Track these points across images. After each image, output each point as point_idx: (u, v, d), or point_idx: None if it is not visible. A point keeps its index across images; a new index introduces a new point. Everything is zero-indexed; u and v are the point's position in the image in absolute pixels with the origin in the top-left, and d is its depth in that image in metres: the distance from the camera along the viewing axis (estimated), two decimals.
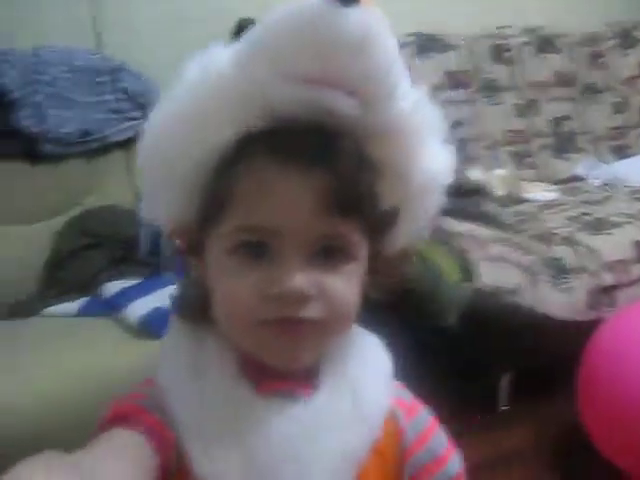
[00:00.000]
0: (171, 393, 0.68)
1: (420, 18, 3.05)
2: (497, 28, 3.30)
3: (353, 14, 0.60)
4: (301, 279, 0.63)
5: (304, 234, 0.63)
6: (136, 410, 0.65)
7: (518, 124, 3.27)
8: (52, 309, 1.93)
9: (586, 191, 3.08)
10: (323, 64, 0.62)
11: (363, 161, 0.66)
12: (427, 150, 0.70)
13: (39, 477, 0.48)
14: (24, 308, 1.97)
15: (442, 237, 2.02)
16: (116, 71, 2.31)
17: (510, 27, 3.33)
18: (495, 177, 2.95)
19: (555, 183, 3.21)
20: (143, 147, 0.69)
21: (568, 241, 2.33)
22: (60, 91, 2.23)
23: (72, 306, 1.92)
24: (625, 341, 1.89)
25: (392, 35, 0.64)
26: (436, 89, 3.02)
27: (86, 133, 2.24)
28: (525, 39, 3.34)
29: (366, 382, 0.73)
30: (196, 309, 0.72)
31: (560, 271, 2.20)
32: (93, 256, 2.07)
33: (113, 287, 1.91)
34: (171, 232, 0.72)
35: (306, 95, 0.62)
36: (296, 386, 0.70)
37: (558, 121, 3.39)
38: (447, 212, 1.99)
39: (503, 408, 2.42)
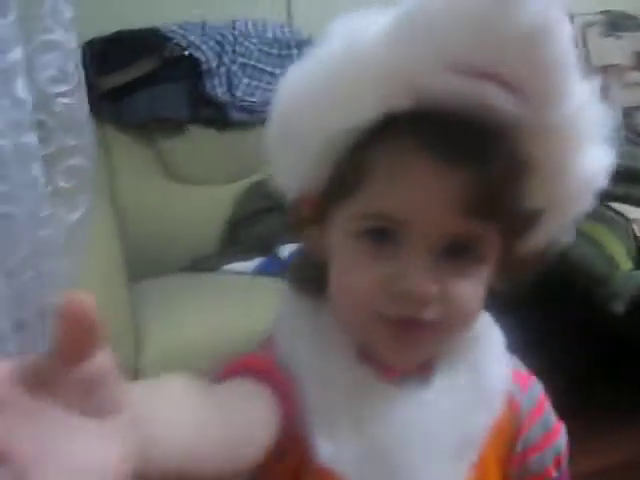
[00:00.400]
0: (293, 369, 0.66)
1: None
2: None
3: (531, 2, 0.55)
4: (427, 280, 0.61)
5: (435, 230, 0.61)
6: (268, 365, 0.65)
7: None
8: (231, 266, 2.07)
9: None
10: (491, 56, 0.57)
11: (515, 163, 0.61)
12: (585, 153, 0.65)
13: (178, 385, 0.50)
14: (205, 263, 2.13)
15: (616, 223, 1.97)
16: (302, 44, 2.40)
17: None
18: None
19: None
20: (274, 114, 0.67)
21: None
22: (251, 62, 2.36)
23: (249, 265, 2.05)
24: None
25: (569, 25, 0.59)
26: (624, 70, 2.93)
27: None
28: None
29: (485, 363, 0.72)
30: (312, 283, 0.71)
31: None
32: (272, 219, 2.17)
33: (289, 249, 2.01)
34: (298, 201, 0.69)
35: (467, 87, 0.57)
36: (415, 370, 0.69)
37: None
38: (622, 199, 1.97)
39: None
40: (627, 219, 1.98)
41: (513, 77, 0.58)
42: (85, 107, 1.41)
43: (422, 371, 0.69)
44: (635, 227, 1.96)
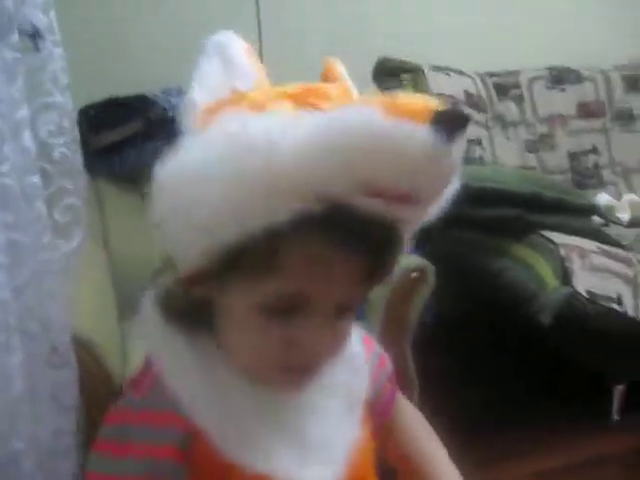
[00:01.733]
0: (183, 396, 0.72)
1: (554, 52, 3.24)
2: (630, 60, 3.39)
3: (454, 148, 0.59)
4: (322, 340, 0.70)
5: (333, 301, 0.69)
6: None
7: None
8: None
9: None
10: (408, 187, 0.60)
11: (397, 242, 0.69)
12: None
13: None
14: None
15: (545, 247, 2.20)
16: None
17: None
18: (623, 202, 3.10)
19: None
20: (167, 191, 0.69)
21: None
22: None
23: None
24: None
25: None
26: (568, 118, 3.20)
27: None
28: None
29: (352, 381, 0.84)
30: (188, 315, 0.75)
31: None
32: None
33: None
34: (186, 277, 0.71)
35: (377, 207, 0.61)
36: None
37: None
38: (555, 227, 2.22)
39: (615, 418, 2.50)
40: (555, 244, 2.20)
41: (418, 198, 0.62)
42: (79, 157, 1.65)
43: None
44: (562, 250, 2.18)
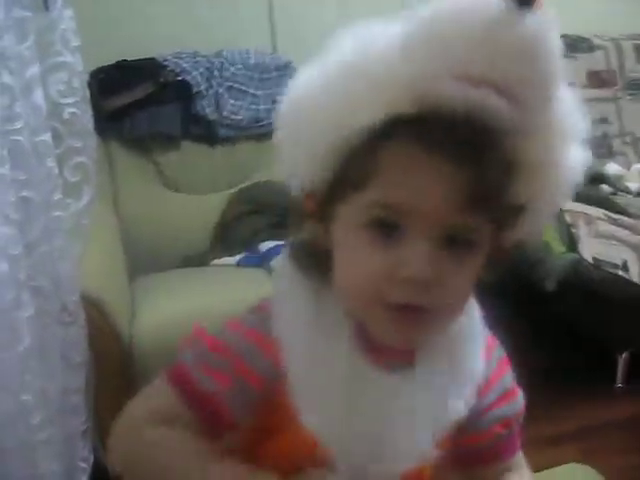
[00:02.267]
0: (285, 341, 0.71)
1: (566, 22, 3.22)
2: None
3: (529, 18, 0.58)
4: (427, 267, 0.63)
5: (436, 220, 0.63)
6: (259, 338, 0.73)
7: None
8: (217, 261, 2.36)
9: None
10: (492, 66, 0.59)
11: (505, 161, 0.65)
12: (566, 153, 0.68)
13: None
14: (196, 260, 2.41)
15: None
16: (282, 68, 2.69)
17: None
18: (632, 171, 3.09)
19: None
20: (284, 114, 0.69)
21: None
22: (236, 85, 2.64)
23: (232, 259, 2.34)
24: None
25: (558, 40, 0.63)
26: (580, 88, 3.16)
27: (256, 120, 2.64)
28: None
29: (464, 357, 0.77)
30: (312, 268, 0.73)
31: None
32: (255, 220, 2.46)
33: (268, 244, 2.30)
34: (302, 197, 0.71)
35: (467, 94, 0.60)
36: (401, 355, 0.73)
37: None
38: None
39: (619, 385, 2.53)
40: (561, 209, 2.22)
41: (511, 85, 0.60)
42: (89, 117, 1.68)
43: (406, 358, 0.73)
44: (568, 217, 2.20)
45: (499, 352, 0.82)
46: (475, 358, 0.78)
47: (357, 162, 0.65)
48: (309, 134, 0.67)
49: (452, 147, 0.61)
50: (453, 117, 0.60)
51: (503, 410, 0.82)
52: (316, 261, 0.72)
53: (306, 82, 0.68)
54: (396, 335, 0.68)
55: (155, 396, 0.75)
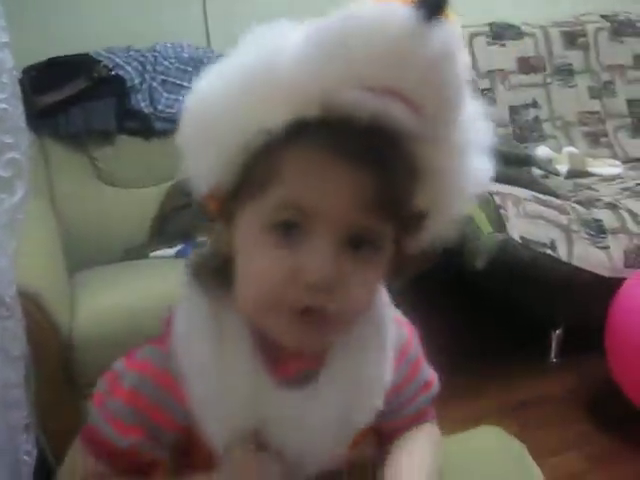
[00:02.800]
0: (188, 374, 0.73)
1: (495, 10, 3.31)
2: (572, 16, 3.47)
3: (437, 30, 0.58)
4: (330, 269, 0.64)
5: (339, 222, 0.64)
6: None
7: (593, 105, 3.43)
8: (156, 253, 2.38)
9: None
10: (397, 76, 0.60)
11: (409, 167, 0.66)
12: (469, 162, 0.70)
13: None
14: (135, 253, 2.43)
15: (481, 196, 2.27)
16: (214, 61, 2.69)
17: (583, 15, 3.50)
18: (563, 154, 3.19)
19: (629, 161, 3.35)
20: (188, 114, 0.70)
21: (611, 205, 2.50)
22: (170, 79, 2.66)
23: (171, 251, 2.36)
24: None
25: (465, 53, 0.63)
26: (508, 73, 3.26)
27: None
28: (600, 25, 3.49)
29: (368, 362, 0.78)
30: (213, 278, 0.74)
31: (598, 231, 2.37)
32: (191, 212, 2.48)
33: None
34: (206, 196, 0.72)
35: (372, 102, 0.60)
36: (306, 364, 0.76)
37: (636, 102, 3.51)
38: (492, 177, 2.29)
39: (553, 361, 2.62)
40: (489, 192, 2.25)
41: (415, 95, 0.61)
42: (20, 113, 1.68)
43: (312, 365, 0.75)
44: (496, 198, 2.26)
45: (414, 353, 0.86)
46: (381, 367, 0.79)
47: (261, 164, 0.66)
48: (214, 135, 0.67)
49: (355, 151, 0.62)
50: (357, 123, 0.61)
51: (419, 402, 0.87)
52: (217, 272, 0.73)
53: (211, 83, 0.68)
54: (299, 339, 0.68)
55: (79, 463, 0.79)
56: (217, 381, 0.72)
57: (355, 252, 0.66)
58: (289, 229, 0.65)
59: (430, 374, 0.89)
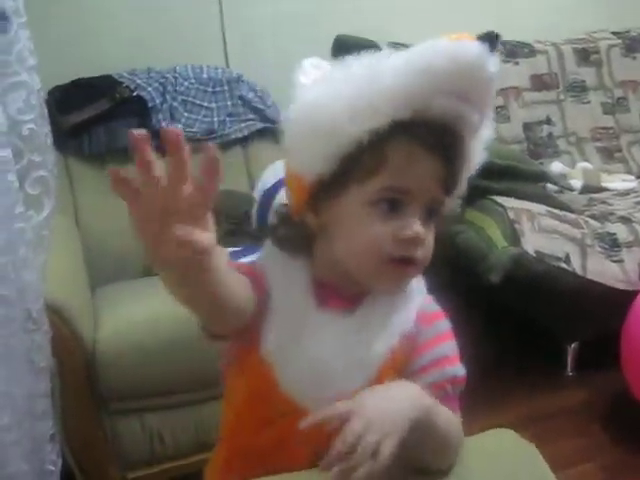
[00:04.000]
0: (268, 282, 0.93)
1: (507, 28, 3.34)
2: (585, 33, 3.52)
3: (492, 57, 0.83)
4: (421, 228, 0.86)
5: (426, 196, 0.87)
6: (255, 272, 0.93)
7: (606, 121, 3.47)
8: None
9: None
10: (467, 85, 0.83)
11: (464, 152, 0.89)
12: (480, 151, 0.94)
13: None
14: None
15: (495, 210, 2.32)
16: (233, 82, 2.79)
17: (595, 32, 3.55)
18: (577, 170, 3.22)
19: None
20: (297, 118, 0.90)
21: (625, 219, 2.55)
22: (190, 98, 2.73)
23: None
24: None
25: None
26: (522, 91, 3.31)
27: (210, 132, 2.73)
28: (612, 42, 3.54)
29: (396, 309, 0.95)
30: (296, 245, 0.95)
31: (612, 244, 2.41)
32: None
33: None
34: (299, 187, 0.92)
35: (451, 106, 0.84)
36: (347, 303, 0.93)
37: None
38: (505, 193, 2.33)
39: (569, 374, 2.66)
40: (504, 207, 2.32)
41: (476, 99, 0.85)
42: (47, 132, 1.75)
43: (352, 304, 0.94)
44: (510, 213, 2.30)
45: (443, 325, 0.98)
46: (402, 315, 0.95)
47: (367, 156, 0.86)
48: (324, 133, 0.86)
49: (435, 144, 0.85)
50: (437, 122, 0.85)
51: (433, 375, 0.93)
52: (295, 242, 0.95)
53: (319, 93, 0.88)
54: (393, 282, 0.92)
55: None
56: (281, 296, 0.92)
57: (428, 218, 0.89)
58: (392, 204, 0.87)
59: (452, 353, 0.96)
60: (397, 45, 3.00)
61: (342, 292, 0.94)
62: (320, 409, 0.81)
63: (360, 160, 0.86)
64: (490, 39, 0.90)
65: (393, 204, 0.87)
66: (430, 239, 0.90)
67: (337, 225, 0.91)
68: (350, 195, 0.89)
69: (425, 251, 0.89)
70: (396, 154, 0.85)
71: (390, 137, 0.85)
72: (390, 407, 0.82)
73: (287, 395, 0.92)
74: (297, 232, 0.95)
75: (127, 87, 2.65)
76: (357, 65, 0.86)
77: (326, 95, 0.87)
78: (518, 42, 3.37)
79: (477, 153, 0.94)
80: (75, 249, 2.24)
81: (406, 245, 0.87)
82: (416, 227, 0.86)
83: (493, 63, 0.84)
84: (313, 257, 0.96)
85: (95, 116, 2.60)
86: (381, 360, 0.92)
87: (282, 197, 2.27)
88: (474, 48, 0.82)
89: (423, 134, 0.85)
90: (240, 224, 2.55)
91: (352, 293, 0.94)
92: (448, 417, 0.91)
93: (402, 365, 0.94)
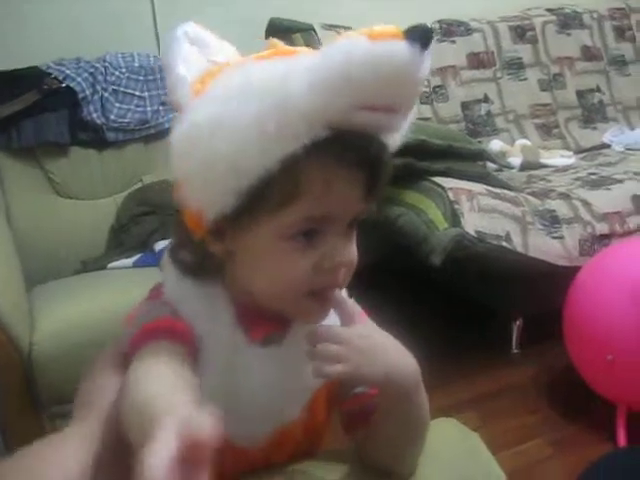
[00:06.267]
0: (181, 310, 0.81)
1: (442, 7, 3.36)
2: (519, 11, 3.53)
3: (424, 57, 0.68)
4: (344, 250, 0.78)
5: (348, 216, 0.78)
6: (178, 325, 0.79)
7: (544, 98, 3.48)
8: (113, 264, 2.37)
9: (606, 156, 3.26)
10: (397, 95, 0.70)
11: (388, 156, 0.78)
12: None
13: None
14: (93, 264, 2.42)
15: (435, 192, 2.30)
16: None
17: (530, 9, 3.56)
18: (516, 147, 3.23)
19: (581, 152, 3.41)
20: (186, 149, 0.74)
21: (564, 196, 2.55)
22: (121, 88, 2.66)
23: (128, 261, 2.36)
24: (600, 282, 2.10)
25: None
26: (459, 69, 3.30)
27: (143, 122, 2.67)
28: (547, 19, 3.55)
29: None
30: (203, 271, 0.82)
31: (552, 221, 2.41)
32: (148, 221, 2.48)
33: (162, 244, 2.33)
34: (193, 218, 0.78)
35: (370, 119, 0.71)
36: (275, 326, 0.84)
37: (585, 93, 3.58)
38: (444, 173, 2.31)
39: (515, 351, 2.67)
40: (443, 188, 2.29)
41: (402, 107, 0.73)
42: None
43: (278, 329, 0.85)
44: (450, 194, 2.27)
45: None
46: None
47: (277, 187, 0.72)
48: (225, 171, 0.72)
49: (356, 159, 0.73)
50: (357, 135, 0.72)
51: None
52: (201, 267, 0.82)
53: (210, 116, 0.72)
54: (315, 315, 0.81)
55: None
56: (208, 334, 0.80)
57: (349, 229, 0.80)
58: (310, 234, 0.76)
59: None
60: (331, 27, 2.99)
61: (266, 315, 0.83)
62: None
63: (271, 192, 0.73)
64: (421, 36, 0.66)
65: (310, 234, 0.76)
66: (353, 247, 0.81)
67: (247, 256, 0.80)
68: (260, 227, 0.76)
69: (349, 264, 0.81)
70: (312, 180, 0.73)
71: (304, 161, 0.71)
72: (390, 358, 0.81)
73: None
74: (200, 256, 0.82)
75: (55, 78, 2.56)
76: (260, 74, 0.72)
77: (224, 116, 0.72)
78: (454, 21, 3.35)
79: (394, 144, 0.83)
80: (7, 249, 2.16)
81: (328, 275, 0.78)
82: (338, 256, 0.77)
83: (425, 67, 0.69)
84: (225, 281, 0.84)
85: (23, 109, 2.52)
86: (315, 384, 0.87)
87: None
88: (402, 52, 0.67)
89: (341, 153, 0.72)
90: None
91: (277, 315, 0.83)
92: (426, 408, 0.88)
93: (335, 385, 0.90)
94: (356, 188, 0.76)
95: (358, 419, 0.90)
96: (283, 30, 2.82)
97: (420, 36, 0.67)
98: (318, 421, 0.93)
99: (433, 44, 0.69)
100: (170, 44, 0.84)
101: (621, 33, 3.71)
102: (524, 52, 3.47)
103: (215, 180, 0.73)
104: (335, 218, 0.76)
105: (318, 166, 0.72)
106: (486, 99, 3.35)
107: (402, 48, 0.67)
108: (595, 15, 3.66)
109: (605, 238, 2.49)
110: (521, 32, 3.48)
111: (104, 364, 0.81)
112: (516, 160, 3.12)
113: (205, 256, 0.81)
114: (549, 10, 3.59)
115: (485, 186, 2.42)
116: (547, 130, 3.47)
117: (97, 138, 2.62)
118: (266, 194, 0.73)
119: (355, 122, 0.70)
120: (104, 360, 0.82)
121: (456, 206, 2.25)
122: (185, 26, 0.86)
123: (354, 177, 0.75)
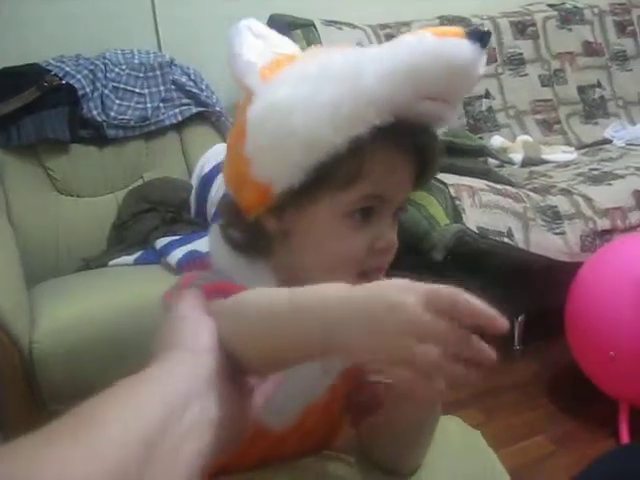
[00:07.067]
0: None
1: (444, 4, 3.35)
2: (520, 6, 3.53)
3: (482, 54, 0.75)
4: (394, 236, 0.84)
5: (400, 200, 0.83)
6: (234, 286, 0.78)
7: (545, 93, 3.48)
8: (115, 261, 2.36)
9: (607, 151, 3.26)
10: (453, 88, 0.78)
11: (438, 148, 0.85)
12: None
13: None
14: (95, 262, 2.41)
15: (436, 188, 2.30)
16: (166, 66, 2.71)
17: (531, 4, 3.56)
18: (517, 143, 3.22)
19: (582, 147, 3.40)
20: (264, 124, 0.79)
21: (566, 192, 2.55)
22: (121, 85, 2.65)
23: (130, 258, 2.35)
24: (602, 278, 2.10)
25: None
26: None
27: (144, 118, 2.65)
28: (548, 14, 3.55)
29: None
30: (254, 248, 0.86)
31: (553, 217, 2.41)
32: (149, 218, 2.47)
33: (163, 241, 2.32)
34: (261, 195, 0.82)
35: (432, 108, 0.78)
36: None
37: (587, 89, 3.58)
38: (446, 169, 2.31)
39: (517, 348, 2.65)
40: (445, 184, 2.30)
41: (454, 98, 0.81)
42: None
43: None
44: (451, 190, 2.28)
45: None
46: None
47: (345, 165, 0.78)
48: (299, 146, 0.77)
49: (413, 147, 0.81)
50: (415, 124, 0.79)
51: None
52: (251, 244, 0.86)
53: (288, 96, 0.78)
54: None
55: None
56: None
57: (395, 218, 0.85)
58: (366, 212, 0.81)
59: None
60: (331, 23, 2.99)
61: None
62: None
63: (337, 169, 0.79)
64: (481, 36, 0.75)
65: (367, 212, 0.82)
66: (396, 238, 0.86)
67: (304, 235, 0.84)
68: (321, 204, 0.81)
69: (394, 249, 0.85)
70: (376, 162, 0.80)
71: (370, 144, 0.77)
72: None
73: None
74: (252, 234, 0.86)
75: (55, 75, 2.55)
76: (335, 63, 0.79)
77: (300, 97, 0.78)
78: (455, 16, 3.34)
79: None
80: (8, 247, 2.16)
81: (379, 255, 0.83)
82: (390, 236, 0.83)
83: (482, 65, 0.77)
84: (271, 262, 0.87)
85: (23, 106, 2.50)
86: (342, 365, 0.86)
87: (220, 184, 2.23)
88: (466, 49, 0.74)
89: (403, 139, 0.80)
90: (178, 212, 2.50)
91: None
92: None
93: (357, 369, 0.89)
94: (409, 173, 0.83)
95: (366, 408, 0.91)
96: (283, 27, 2.81)
97: (480, 37, 0.75)
98: (335, 408, 0.95)
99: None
100: (234, 35, 0.88)
101: (622, 28, 3.72)
102: (525, 48, 3.47)
103: (288, 154, 0.78)
104: (388, 200, 0.82)
105: (382, 149, 0.79)
106: (487, 95, 3.34)
107: (466, 45, 0.74)
108: (596, 10, 3.67)
109: (607, 234, 2.49)
110: (522, 28, 3.48)
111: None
112: (517, 156, 3.12)
113: (256, 235, 0.85)
114: (550, 5, 3.59)
115: (486, 182, 2.42)
116: (548, 126, 3.47)
117: (97, 135, 2.60)
118: (332, 171, 0.79)
119: (417, 111, 0.77)
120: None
121: (457, 202, 2.25)
122: (247, 21, 0.90)
123: (409, 162, 0.82)
